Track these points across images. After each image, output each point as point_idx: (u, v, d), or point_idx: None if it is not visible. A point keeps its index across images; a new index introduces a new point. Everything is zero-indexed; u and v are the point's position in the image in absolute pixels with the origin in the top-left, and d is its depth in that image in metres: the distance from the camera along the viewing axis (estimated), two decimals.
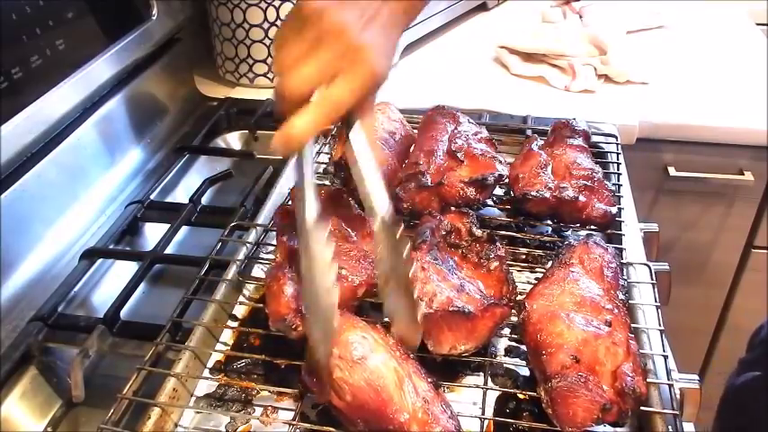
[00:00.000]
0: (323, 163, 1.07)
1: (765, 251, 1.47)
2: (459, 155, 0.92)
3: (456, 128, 0.97)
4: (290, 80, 0.61)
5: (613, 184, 0.96)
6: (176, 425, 0.70)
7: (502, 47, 1.48)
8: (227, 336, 0.81)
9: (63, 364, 0.80)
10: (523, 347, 0.74)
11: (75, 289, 0.89)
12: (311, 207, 0.62)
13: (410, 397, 0.61)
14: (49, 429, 0.75)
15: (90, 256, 0.93)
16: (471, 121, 1.02)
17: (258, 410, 0.71)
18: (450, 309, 0.69)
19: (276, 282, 0.71)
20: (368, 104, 0.67)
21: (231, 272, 0.85)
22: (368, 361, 0.62)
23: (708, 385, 0.76)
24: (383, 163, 0.71)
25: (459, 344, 0.70)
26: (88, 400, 0.76)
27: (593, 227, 0.89)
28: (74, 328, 0.83)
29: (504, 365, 0.75)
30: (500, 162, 0.93)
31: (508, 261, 0.87)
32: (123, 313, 0.84)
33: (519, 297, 0.74)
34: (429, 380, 0.65)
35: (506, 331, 0.78)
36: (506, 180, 0.94)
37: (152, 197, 1.06)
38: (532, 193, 0.88)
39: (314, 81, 0.61)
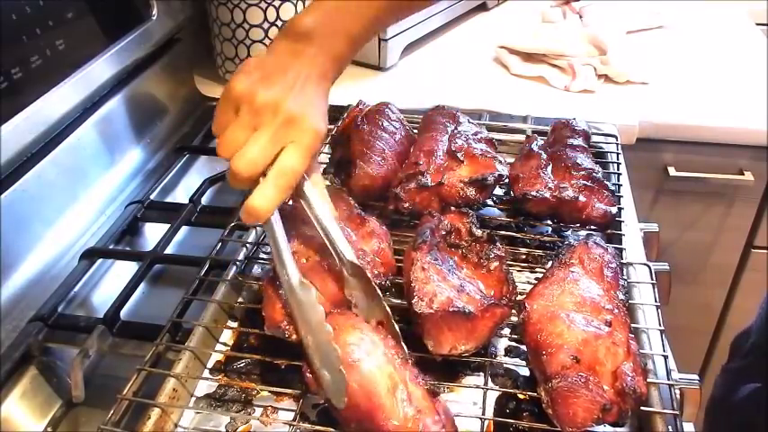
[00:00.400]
0: (323, 163, 1.07)
1: (765, 251, 1.47)
2: (459, 155, 0.92)
3: (456, 128, 0.98)
4: (240, 164, 0.64)
5: (613, 185, 0.96)
6: (176, 425, 0.70)
7: (502, 47, 1.48)
8: (227, 336, 0.81)
9: (63, 364, 0.80)
10: (523, 347, 0.74)
11: (75, 289, 0.89)
12: (293, 272, 0.67)
13: (402, 405, 0.61)
14: (49, 429, 0.74)
15: (90, 256, 0.93)
16: (471, 121, 1.02)
17: (258, 411, 0.71)
18: (451, 309, 0.69)
19: (272, 285, 0.71)
20: (313, 163, 0.70)
21: (231, 272, 0.85)
22: (362, 364, 0.62)
23: (708, 385, 0.76)
24: (337, 214, 0.75)
25: (459, 344, 0.70)
26: (88, 400, 0.76)
27: (593, 227, 0.89)
28: (74, 328, 0.83)
29: (505, 365, 0.75)
30: (500, 162, 0.93)
31: (508, 261, 0.87)
32: (123, 313, 0.84)
33: (519, 297, 0.74)
34: (426, 387, 0.64)
35: (506, 331, 0.78)
36: (506, 180, 0.94)
37: (152, 197, 1.06)
38: (532, 193, 0.88)
39: (262, 161, 0.64)
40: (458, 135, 0.96)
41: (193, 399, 0.73)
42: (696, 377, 0.74)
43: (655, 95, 1.37)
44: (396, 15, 0.82)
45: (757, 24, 1.70)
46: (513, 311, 0.73)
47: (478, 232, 0.81)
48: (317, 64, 0.69)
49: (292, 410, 0.69)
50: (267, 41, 1.34)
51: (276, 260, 0.68)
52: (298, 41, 0.69)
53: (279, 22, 1.32)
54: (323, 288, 0.73)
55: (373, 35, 0.78)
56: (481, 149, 0.94)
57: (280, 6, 1.31)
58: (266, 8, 1.31)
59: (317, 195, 0.71)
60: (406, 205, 0.89)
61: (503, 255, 0.78)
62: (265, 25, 1.32)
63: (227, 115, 0.67)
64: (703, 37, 1.62)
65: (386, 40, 1.43)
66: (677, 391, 0.70)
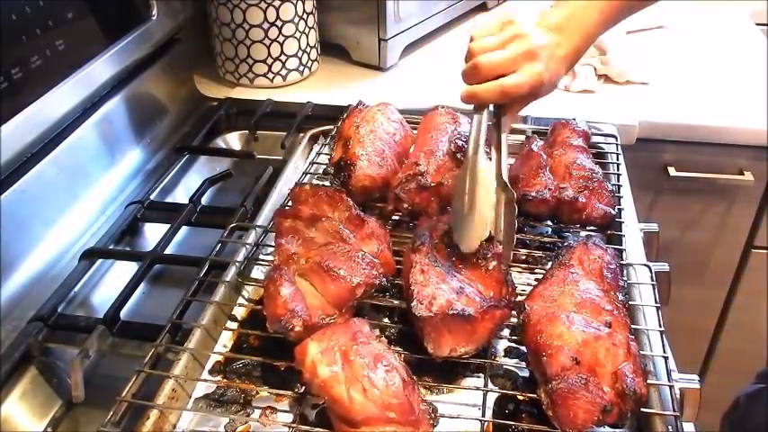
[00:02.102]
0: (322, 164, 1.07)
1: (765, 251, 1.47)
2: (458, 155, 0.92)
3: (456, 128, 0.97)
4: (483, 60, 0.80)
5: (613, 185, 0.96)
6: (175, 426, 0.70)
7: None
8: (227, 337, 0.81)
9: (63, 364, 0.80)
10: (523, 348, 0.74)
11: (75, 289, 0.89)
12: (482, 151, 0.82)
13: None
14: (48, 429, 0.75)
15: (90, 256, 0.93)
16: (471, 121, 1.02)
17: (257, 412, 0.71)
18: (450, 312, 0.68)
19: (273, 283, 0.71)
20: (521, 105, 0.86)
21: (230, 273, 0.85)
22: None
23: (708, 385, 0.76)
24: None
25: (459, 346, 0.70)
26: (88, 401, 0.76)
27: (593, 228, 0.88)
28: (74, 328, 0.83)
29: (504, 366, 0.75)
30: None
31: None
32: (123, 313, 0.84)
33: (519, 298, 0.74)
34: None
35: (506, 332, 0.78)
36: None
37: (152, 197, 1.06)
38: (532, 194, 0.88)
39: (499, 67, 0.80)
40: (458, 135, 0.95)
41: (192, 399, 0.73)
42: (696, 377, 0.74)
43: (655, 95, 1.37)
44: (630, 12, 0.98)
45: (757, 24, 1.70)
46: (513, 313, 0.73)
47: None
48: (559, 44, 0.84)
49: (292, 412, 0.69)
50: (267, 41, 1.34)
51: (472, 142, 0.82)
52: (550, 30, 0.84)
53: (279, 23, 1.33)
54: (323, 289, 0.73)
55: (606, 30, 0.93)
56: None
57: (280, 6, 1.31)
58: (266, 8, 1.31)
59: (507, 119, 0.85)
60: (406, 205, 0.89)
61: (500, 252, 0.78)
62: (265, 25, 1.32)
63: (494, 26, 0.83)
64: (703, 37, 1.62)
65: (386, 41, 1.43)
66: (677, 392, 0.69)
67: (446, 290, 0.71)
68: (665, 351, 0.73)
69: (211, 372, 0.76)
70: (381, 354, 0.65)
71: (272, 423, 0.70)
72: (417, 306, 0.69)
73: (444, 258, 0.77)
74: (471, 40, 0.84)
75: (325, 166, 1.06)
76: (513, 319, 0.74)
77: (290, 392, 0.71)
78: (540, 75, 0.81)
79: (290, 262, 0.77)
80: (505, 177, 0.82)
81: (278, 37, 1.34)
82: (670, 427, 0.66)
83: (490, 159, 0.83)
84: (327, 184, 1.01)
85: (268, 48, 1.35)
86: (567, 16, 0.85)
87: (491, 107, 0.84)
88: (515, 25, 0.82)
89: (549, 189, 0.88)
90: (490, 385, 0.71)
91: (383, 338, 0.69)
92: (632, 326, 0.71)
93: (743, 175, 1.35)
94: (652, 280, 0.82)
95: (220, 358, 0.77)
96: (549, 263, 0.81)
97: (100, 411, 0.68)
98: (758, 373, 1.08)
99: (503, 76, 0.80)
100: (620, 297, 0.73)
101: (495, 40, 0.82)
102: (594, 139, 1.07)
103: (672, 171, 1.35)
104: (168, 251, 0.95)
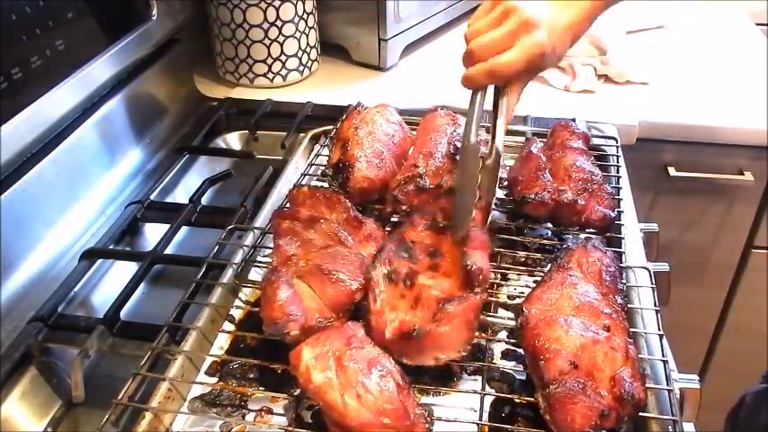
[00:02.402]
0: (321, 165, 1.07)
1: (765, 251, 1.47)
2: (457, 157, 0.92)
3: (455, 130, 0.97)
4: (474, 45, 0.79)
5: (613, 187, 0.96)
6: (170, 425, 0.71)
7: None
8: (224, 339, 0.81)
9: (63, 365, 0.80)
10: (520, 351, 0.73)
11: (75, 289, 0.89)
12: (474, 134, 0.80)
13: None
14: (48, 429, 0.75)
15: (90, 256, 0.94)
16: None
17: (252, 413, 0.71)
18: (402, 335, 0.68)
19: (270, 286, 0.71)
20: (522, 82, 0.83)
21: (228, 275, 0.85)
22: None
23: (708, 385, 0.76)
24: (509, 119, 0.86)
25: (439, 354, 0.69)
26: (88, 401, 0.76)
27: (592, 230, 0.88)
28: (74, 328, 0.83)
29: (501, 369, 0.74)
30: None
31: (507, 264, 0.87)
32: (123, 313, 0.84)
33: (517, 300, 0.74)
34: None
35: (503, 335, 0.78)
36: (505, 183, 0.94)
37: (152, 197, 1.06)
38: (531, 196, 0.88)
39: (492, 48, 0.78)
40: (457, 138, 0.95)
41: (188, 400, 0.73)
42: (696, 377, 0.74)
43: (655, 95, 1.37)
44: None
45: (757, 24, 1.70)
46: (511, 316, 0.73)
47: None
48: (565, 13, 0.81)
49: (288, 412, 0.69)
50: (267, 41, 1.34)
51: (468, 121, 0.80)
52: None
53: (279, 23, 1.33)
54: (321, 292, 0.73)
55: (611, 5, 0.88)
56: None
57: (280, 6, 1.31)
58: (266, 8, 1.31)
59: (508, 98, 0.83)
60: (404, 207, 0.89)
61: (428, 221, 0.78)
62: (265, 25, 1.32)
63: (484, 13, 0.82)
64: (703, 37, 1.62)
65: (386, 41, 1.43)
66: (677, 393, 0.69)
67: (401, 310, 0.70)
68: (664, 354, 0.72)
69: (208, 372, 0.76)
70: (376, 358, 0.64)
71: (267, 422, 0.70)
72: (377, 335, 0.69)
73: (401, 270, 0.75)
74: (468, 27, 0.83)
75: (323, 168, 1.06)
76: (512, 322, 0.73)
77: (286, 395, 0.71)
78: (540, 45, 0.78)
79: (288, 263, 0.77)
80: (498, 141, 0.82)
81: (278, 37, 1.34)
82: (669, 428, 0.66)
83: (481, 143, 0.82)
84: (326, 185, 1.01)
85: (268, 48, 1.35)
86: None
87: (490, 89, 0.83)
88: (507, 1, 0.79)
89: (549, 191, 0.88)
90: (487, 388, 0.71)
91: None
92: (631, 329, 0.71)
93: (743, 175, 1.35)
94: (651, 283, 0.81)
95: (217, 359, 0.77)
96: (549, 265, 0.81)
97: (100, 411, 0.68)
98: (765, 374, 1.08)
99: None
100: (619, 300, 0.73)
101: (486, 21, 0.80)
102: (595, 140, 1.07)
103: (672, 171, 1.35)
104: (168, 251, 0.95)
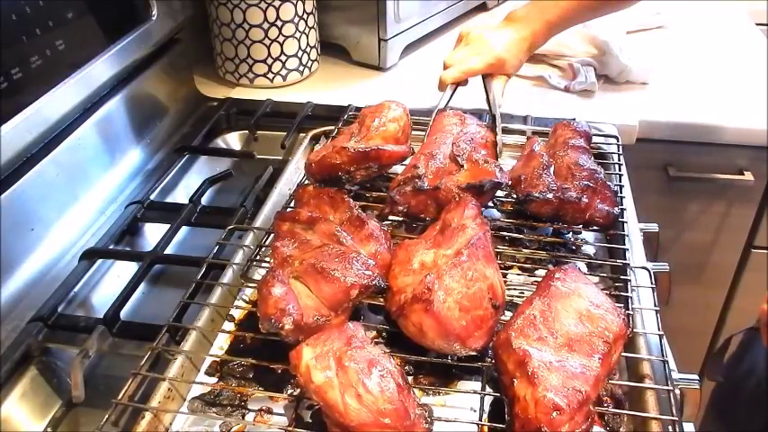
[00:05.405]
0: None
1: (765, 251, 1.47)
2: (459, 159, 0.91)
3: (462, 129, 0.97)
4: (447, 59, 1.12)
5: (615, 185, 0.96)
6: (170, 425, 0.71)
7: None
8: (224, 339, 0.81)
9: (63, 365, 0.80)
10: None
11: (75, 289, 0.89)
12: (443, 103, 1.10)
13: None
14: (48, 429, 0.75)
15: (90, 256, 0.93)
16: (480, 123, 1.02)
17: (252, 413, 0.71)
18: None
19: (265, 285, 0.71)
20: (495, 75, 1.12)
21: (228, 275, 0.85)
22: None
23: (708, 385, 0.76)
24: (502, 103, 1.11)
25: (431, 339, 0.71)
26: (88, 401, 0.76)
27: (595, 228, 0.88)
28: (74, 328, 0.83)
29: None
30: (500, 170, 0.91)
31: (508, 263, 0.87)
32: (123, 314, 0.84)
33: (518, 300, 0.73)
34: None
35: None
36: (507, 184, 0.93)
37: (152, 197, 1.06)
38: (535, 195, 0.87)
39: (459, 59, 1.11)
40: (462, 138, 0.95)
41: (188, 400, 0.73)
42: (696, 377, 0.74)
43: (655, 95, 1.37)
44: (593, 14, 1.16)
45: (757, 24, 1.70)
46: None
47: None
48: (518, 30, 1.11)
49: (288, 412, 0.69)
50: (267, 41, 1.34)
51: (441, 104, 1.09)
52: (510, 21, 1.12)
53: (279, 23, 1.33)
54: (317, 290, 0.73)
55: (571, 25, 1.15)
56: (483, 156, 0.93)
57: (280, 6, 1.31)
58: (266, 8, 1.31)
59: (496, 88, 1.11)
60: (401, 208, 0.89)
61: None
62: (265, 25, 1.32)
63: (457, 43, 1.15)
64: (703, 37, 1.62)
65: (386, 41, 1.43)
66: (677, 392, 0.69)
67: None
68: (664, 354, 0.72)
69: (208, 372, 0.76)
70: (376, 359, 0.64)
71: (266, 424, 0.70)
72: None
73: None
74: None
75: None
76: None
77: (286, 395, 0.71)
78: (495, 55, 1.08)
79: (285, 264, 0.77)
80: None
81: (278, 37, 1.34)
82: (669, 428, 0.66)
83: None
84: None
85: (268, 48, 1.35)
86: (528, 8, 1.11)
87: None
88: (464, 35, 1.13)
89: (552, 190, 0.88)
90: (487, 388, 0.71)
91: (379, 342, 0.69)
92: (632, 330, 0.71)
93: (743, 175, 1.35)
94: (651, 282, 0.81)
95: (217, 359, 0.77)
96: (550, 264, 0.81)
97: (100, 411, 0.68)
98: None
99: None
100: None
101: (456, 50, 1.12)
102: (595, 139, 1.07)
103: (672, 171, 1.35)
104: (168, 251, 0.95)
